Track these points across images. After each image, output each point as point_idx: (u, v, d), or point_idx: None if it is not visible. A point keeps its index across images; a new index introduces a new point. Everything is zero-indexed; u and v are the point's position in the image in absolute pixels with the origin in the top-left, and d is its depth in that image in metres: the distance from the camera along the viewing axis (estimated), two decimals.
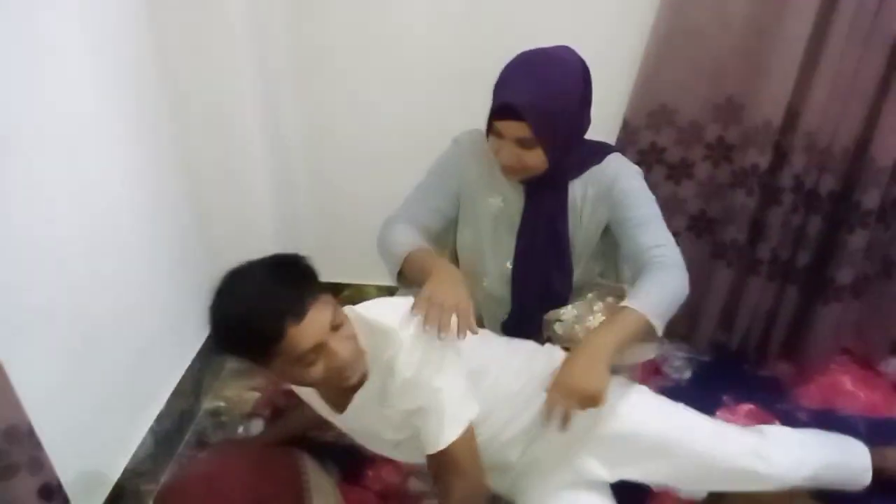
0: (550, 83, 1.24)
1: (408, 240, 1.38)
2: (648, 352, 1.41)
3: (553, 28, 1.63)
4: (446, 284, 1.19)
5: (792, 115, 1.63)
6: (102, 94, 1.34)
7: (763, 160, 1.66)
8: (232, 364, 1.97)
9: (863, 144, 1.62)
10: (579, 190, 1.40)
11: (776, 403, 1.84)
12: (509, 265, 1.48)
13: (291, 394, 1.69)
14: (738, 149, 1.70)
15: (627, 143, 1.72)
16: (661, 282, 1.26)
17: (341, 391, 1.21)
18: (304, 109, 1.84)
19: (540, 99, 1.22)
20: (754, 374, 1.97)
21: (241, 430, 1.76)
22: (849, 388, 1.92)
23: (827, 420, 1.81)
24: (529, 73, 1.25)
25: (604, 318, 1.35)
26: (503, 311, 1.54)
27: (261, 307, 1.03)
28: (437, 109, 1.79)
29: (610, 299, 1.39)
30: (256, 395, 1.86)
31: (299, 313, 1.03)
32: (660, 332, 1.23)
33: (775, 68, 1.56)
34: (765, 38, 1.56)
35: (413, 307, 1.17)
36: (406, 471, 1.63)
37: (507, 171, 1.36)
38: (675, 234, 1.80)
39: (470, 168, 1.45)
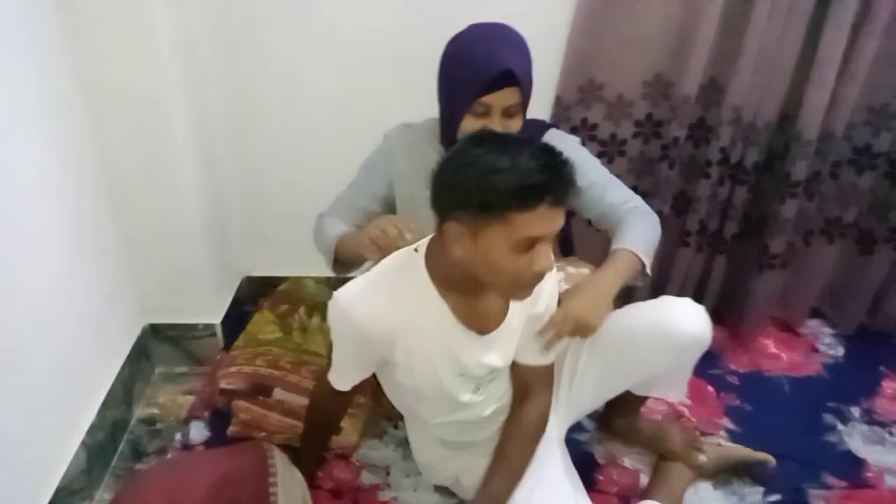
0: (525, 48, 1.29)
1: (339, 228, 1.41)
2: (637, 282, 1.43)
3: (486, 4, 1.62)
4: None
5: (717, 90, 1.69)
6: (8, 84, 1.23)
7: (681, 133, 1.71)
8: (162, 368, 1.87)
9: (787, 118, 1.69)
10: None
11: (708, 370, 1.92)
12: None
13: (229, 394, 1.64)
14: (667, 124, 1.75)
15: (560, 120, 1.74)
16: (644, 226, 1.37)
17: (481, 310, 1.19)
18: (229, 95, 1.75)
19: (525, 63, 1.28)
20: None
21: (178, 436, 1.68)
22: (772, 350, 2.03)
23: (754, 380, 1.91)
24: (507, 40, 1.28)
25: (567, 286, 1.36)
26: None
27: (539, 168, 0.96)
28: (371, 92, 1.74)
29: (570, 269, 1.41)
30: (191, 398, 1.78)
31: (560, 200, 0.99)
32: (648, 269, 1.33)
33: (699, 43, 1.60)
34: (689, 12, 1.59)
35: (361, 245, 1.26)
36: (359, 465, 1.60)
37: None
38: None
39: (403, 164, 1.44)
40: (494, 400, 1.33)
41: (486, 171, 0.97)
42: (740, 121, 1.68)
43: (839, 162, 1.80)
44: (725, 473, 1.59)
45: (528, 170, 0.96)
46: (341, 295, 1.15)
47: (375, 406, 1.73)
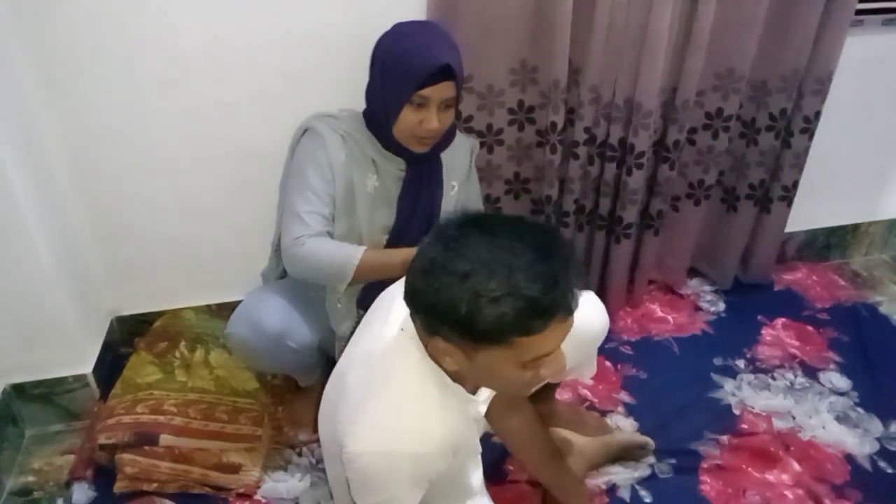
0: (456, 45, 1.36)
1: (352, 250, 1.36)
2: None
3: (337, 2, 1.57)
4: None
5: (574, 71, 1.71)
6: None
7: (558, 118, 1.72)
8: (34, 430, 1.70)
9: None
10: (448, 161, 1.52)
11: (605, 345, 1.94)
12: (385, 237, 1.49)
13: (110, 448, 1.51)
14: (539, 109, 1.75)
15: None
16: None
17: None
18: (65, 126, 1.58)
19: (459, 58, 1.35)
20: None
21: (60, 503, 1.53)
22: (659, 314, 2.11)
23: (646, 346, 1.98)
24: (440, 36, 1.35)
25: None
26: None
27: (543, 288, 0.82)
28: (220, 104, 1.63)
29: None
30: (71, 458, 1.63)
31: (571, 310, 0.86)
32: None
33: (560, 26, 1.59)
34: None
35: None
36: (265, 502, 1.52)
37: (426, 140, 1.39)
38: (495, 200, 1.90)
39: (338, 154, 1.41)
40: None
41: (478, 300, 0.83)
42: (600, 100, 1.71)
43: (694, 128, 1.87)
44: (610, 462, 1.62)
45: (530, 294, 0.82)
46: (370, 443, 0.96)
47: (276, 435, 1.66)
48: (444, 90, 1.32)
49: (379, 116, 1.40)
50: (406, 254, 1.28)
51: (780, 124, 1.88)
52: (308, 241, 1.35)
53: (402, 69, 1.31)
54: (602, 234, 1.95)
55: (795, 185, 2.00)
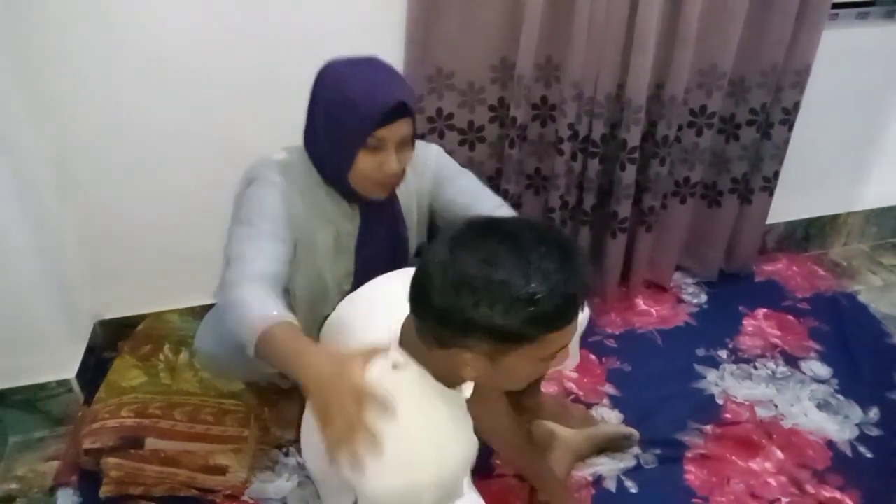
0: (404, 78, 1.32)
1: (264, 305, 1.10)
2: None
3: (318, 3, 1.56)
4: (325, 383, 0.93)
5: (554, 68, 1.72)
6: None
7: (518, 113, 1.72)
8: (17, 437, 1.68)
9: (624, 88, 1.74)
10: (405, 194, 1.42)
11: (587, 338, 1.97)
12: (349, 284, 1.42)
13: (95, 453, 1.50)
14: (517, 107, 1.75)
15: (415, 111, 1.70)
16: None
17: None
18: (44, 127, 1.57)
19: (411, 90, 1.30)
20: None
21: None
22: (642, 307, 2.13)
23: (630, 339, 1.99)
24: (386, 71, 1.27)
25: None
26: None
27: (574, 280, 0.87)
28: (204, 108, 1.63)
29: None
30: (55, 464, 1.62)
31: (582, 306, 0.91)
32: None
33: (529, 22, 1.60)
34: None
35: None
36: (253, 503, 1.52)
37: (388, 183, 1.31)
38: None
39: (296, 205, 1.32)
40: None
41: (518, 303, 0.85)
42: (582, 96, 1.71)
43: (680, 126, 1.88)
44: (596, 454, 1.63)
45: (570, 291, 0.87)
46: (394, 479, 0.94)
47: (262, 436, 1.66)
48: (400, 128, 1.23)
49: (326, 167, 1.31)
50: (306, 360, 0.98)
51: (760, 118, 1.90)
52: (237, 285, 1.14)
53: (351, 115, 1.21)
54: (587, 229, 1.96)
55: (776, 175, 2.02)
